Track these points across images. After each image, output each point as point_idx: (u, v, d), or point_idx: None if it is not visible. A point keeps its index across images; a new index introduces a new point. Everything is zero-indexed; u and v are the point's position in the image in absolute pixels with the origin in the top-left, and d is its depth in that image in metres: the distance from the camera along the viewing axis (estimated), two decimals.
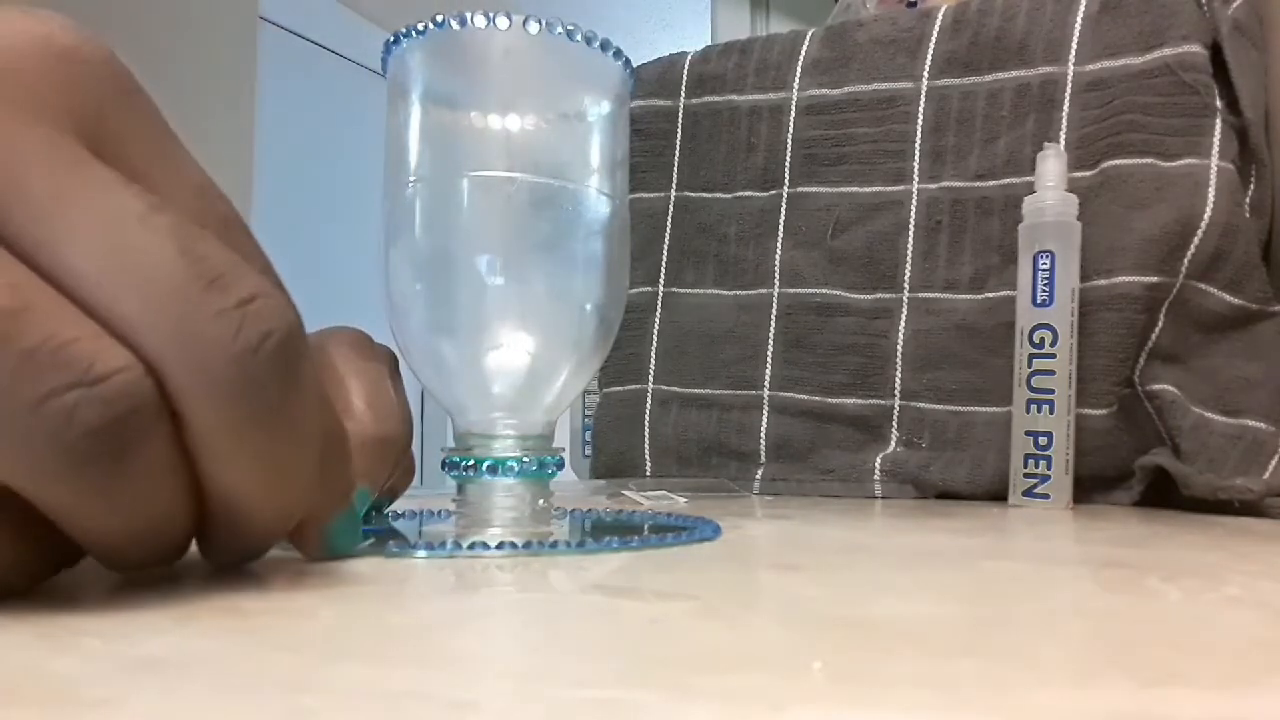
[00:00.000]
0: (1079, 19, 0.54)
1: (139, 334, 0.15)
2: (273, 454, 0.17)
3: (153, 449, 0.15)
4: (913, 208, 0.56)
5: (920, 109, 0.57)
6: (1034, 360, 0.47)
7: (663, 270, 0.63)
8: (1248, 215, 0.50)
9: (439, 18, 0.28)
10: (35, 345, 0.14)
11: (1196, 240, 0.48)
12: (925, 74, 0.57)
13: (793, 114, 0.60)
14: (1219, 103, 0.50)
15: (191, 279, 0.15)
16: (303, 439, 0.18)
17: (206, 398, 0.16)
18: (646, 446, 0.61)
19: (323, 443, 0.19)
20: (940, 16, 0.58)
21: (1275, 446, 0.47)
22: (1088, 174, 0.52)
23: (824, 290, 0.58)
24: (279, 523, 0.19)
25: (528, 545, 0.25)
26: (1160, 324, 0.49)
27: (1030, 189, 0.50)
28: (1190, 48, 0.50)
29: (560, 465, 0.30)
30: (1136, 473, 0.49)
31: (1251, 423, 0.48)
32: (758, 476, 0.57)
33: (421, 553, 0.24)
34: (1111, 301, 0.49)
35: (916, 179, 0.57)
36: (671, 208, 0.63)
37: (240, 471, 0.17)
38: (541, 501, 0.29)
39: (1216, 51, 0.51)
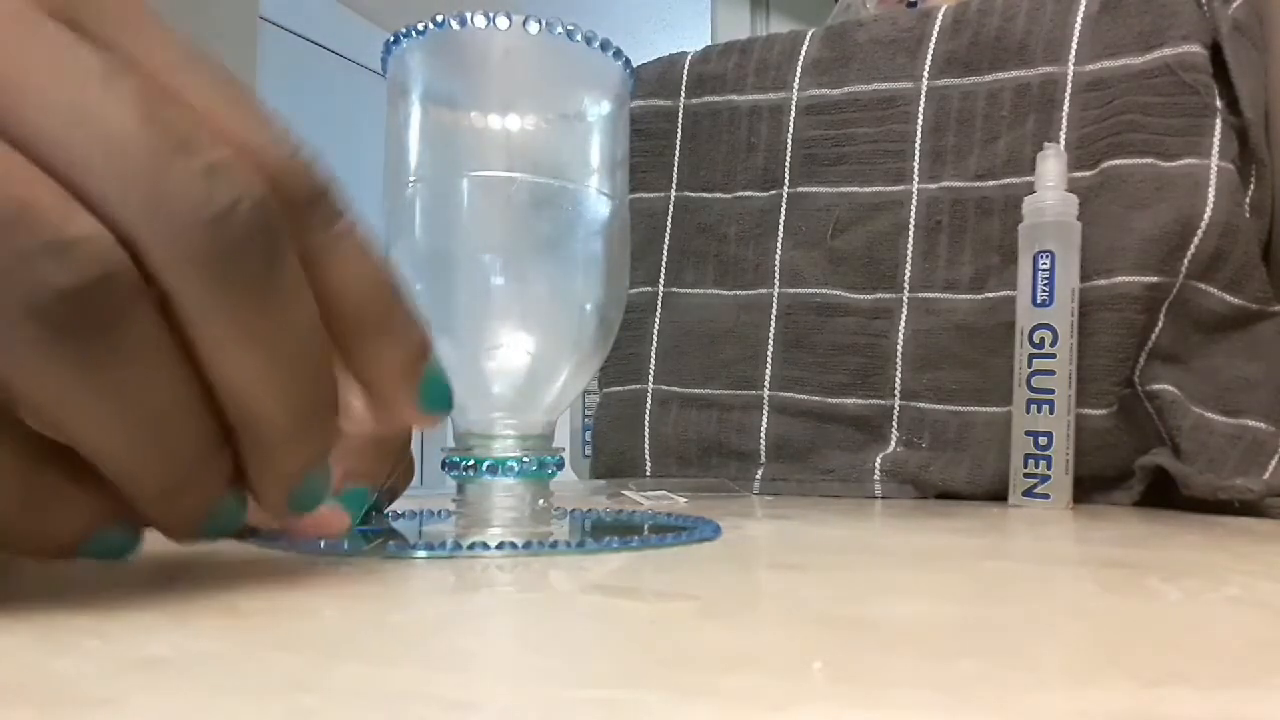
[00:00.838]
0: (1079, 19, 0.54)
1: (108, 205, 0.14)
2: (267, 335, 0.16)
3: (135, 328, 0.15)
4: (913, 208, 0.56)
5: (920, 109, 0.57)
6: (1034, 360, 0.47)
7: (663, 270, 0.63)
8: (1248, 215, 0.50)
9: (439, 18, 0.28)
10: (1, 206, 0.13)
11: (1196, 240, 0.48)
12: (925, 74, 0.57)
13: (793, 114, 0.60)
14: (1219, 103, 0.50)
15: (157, 143, 0.14)
16: (297, 320, 0.17)
17: (184, 268, 0.15)
18: (646, 446, 0.61)
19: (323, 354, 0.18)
20: (940, 16, 0.58)
21: (1275, 446, 0.47)
22: (1088, 174, 0.52)
23: (824, 290, 0.58)
24: (297, 427, 0.17)
25: (528, 545, 0.25)
26: (1160, 324, 0.49)
27: (1030, 189, 0.50)
28: (1190, 48, 0.50)
29: (560, 465, 0.30)
30: (1136, 473, 0.49)
31: (1251, 423, 0.48)
32: (758, 476, 0.57)
33: (421, 553, 0.24)
34: (1111, 301, 0.49)
35: (916, 179, 0.57)
36: (671, 208, 0.63)
37: (237, 360, 0.16)
38: (541, 501, 0.29)
39: (1216, 51, 0.51)
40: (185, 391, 0.16)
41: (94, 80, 0.14)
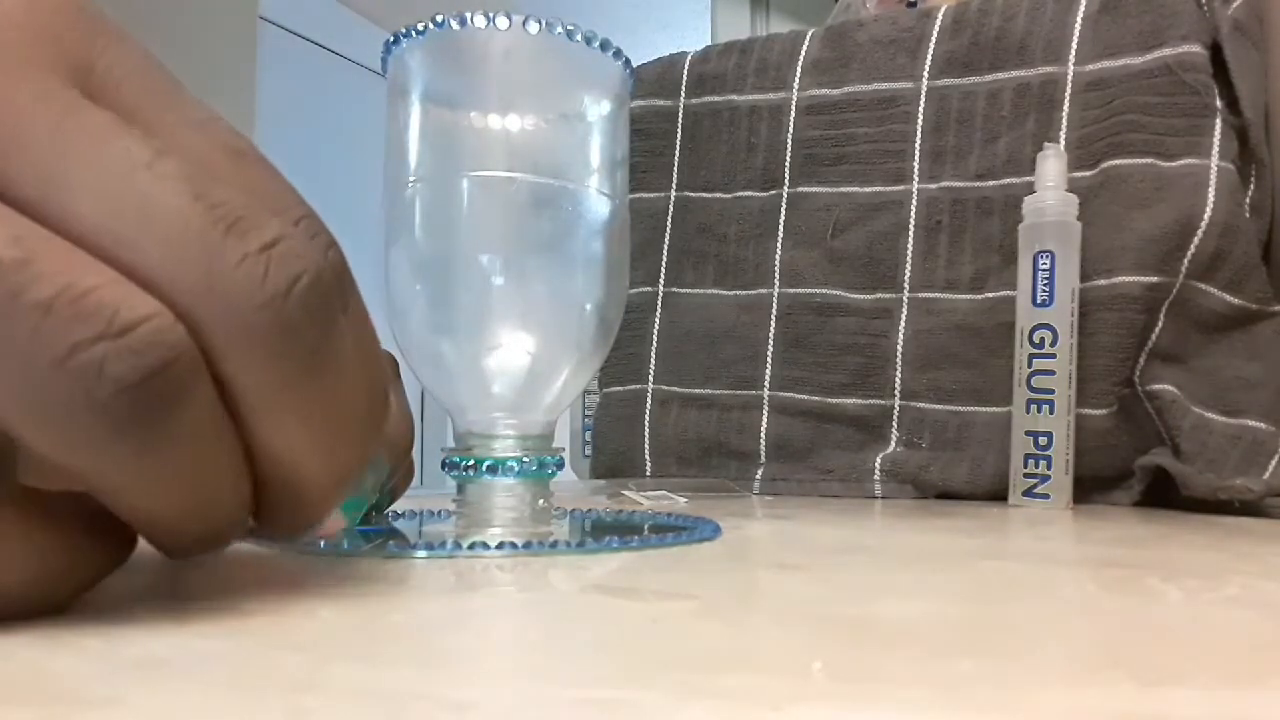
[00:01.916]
0: (1079, 19, 0.54)
1: (163, 287, 0.14)
2: (321, 407, 0.16)
3: (196, 409, 0.14)
4: (913, 208, 0.56)
5: (920, 109, 0.57)
6: (1034, 360, 0.47)
7: (663, 270, 0.63)
8: (1248, 215, 0.50)
9: (439, 18, 0.28)
10: (51, 296, 0.13)
11: (1196, 240, 0.48)
12: (925, 74, 0.57)
13: (793, 114, 0.60)
14: (1219, 103, 0.50)
15: (209, 226, 0.14)
16: (350, 389, 0.16)
17: (242, 350, 0.15)
18: (646, 446, 0.61)
19: (370, 394, 0.17)
20: (940, 16, 0.58)
21: (1275, 446, 0.47)
22: (1088, 174, 0.52)
23: (824, 290, 0.58)
24: (334, 486, 0.17)
25: (528, 545, 0.25)
26: (1160, 324, 0.49)
27: (1030, 189, 0.50)
28: (1190, 48, 0.50)
29: (560, 465, 0.30)
30: (1136, 473, 0.49)
31: (1251, 423, 0.48)
32: (758, 476, 0.57)
33: (421, 553, 0.24)
34: (1111, 301, 0.49)
35: (916, 179, 0.57)
36: (671, 208, 0.63)
37: (289, 430, 0.16)
38: (541, 501, 0.29)
39: (1216, 51, 0.51)
40: (234, 458, 0.16)
41: (139, 166, 0.14)
